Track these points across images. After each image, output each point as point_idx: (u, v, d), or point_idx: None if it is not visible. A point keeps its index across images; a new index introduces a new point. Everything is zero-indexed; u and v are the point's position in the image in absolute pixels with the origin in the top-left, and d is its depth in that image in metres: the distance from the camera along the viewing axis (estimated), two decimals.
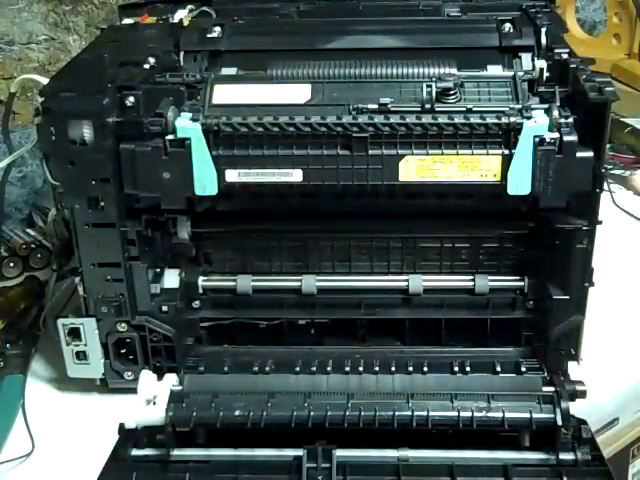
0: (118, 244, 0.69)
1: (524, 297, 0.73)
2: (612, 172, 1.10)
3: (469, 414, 0.62)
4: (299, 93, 0.69)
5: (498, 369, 0.67)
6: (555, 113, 0.64)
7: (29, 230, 1.05)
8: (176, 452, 0.63)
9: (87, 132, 0.65)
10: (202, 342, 0.76)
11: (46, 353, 0.81)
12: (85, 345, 0.72)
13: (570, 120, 0.64)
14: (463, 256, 0.74)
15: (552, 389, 0.63)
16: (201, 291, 0.75)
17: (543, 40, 0.73)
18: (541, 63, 0.71)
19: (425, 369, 0.67)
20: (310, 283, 0.73)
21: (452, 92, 0.67)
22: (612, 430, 0.79)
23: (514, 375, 0.67)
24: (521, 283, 0.73)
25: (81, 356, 0.73)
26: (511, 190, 0.65)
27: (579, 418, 0.62)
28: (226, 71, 0.75)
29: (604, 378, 0.74)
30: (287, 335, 0.76)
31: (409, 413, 0.62)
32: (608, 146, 0.67)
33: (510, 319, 0.74)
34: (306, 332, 0.76)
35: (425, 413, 0.62)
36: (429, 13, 0.84)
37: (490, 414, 0.62)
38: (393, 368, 0.67)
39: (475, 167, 0.65)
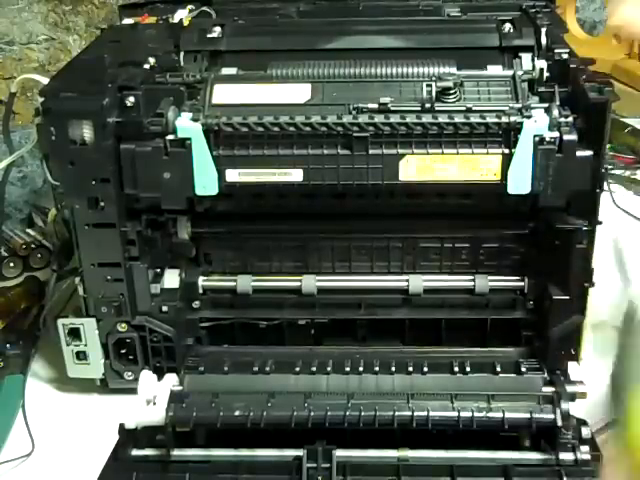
0: (118, 244, 0.69)
1: (524, 297, 0.73)
2: (612, 172, 1.09)
3: (469, 414, 0.62)
4: (299, 93, 0.69)
5: (498, 369, 0.67)
6: (555, 112, 0.64)
7: (29, 230, 1.05)
8: (176, 452, 0.63)
9: (87, 132, 0.65)
10: (202, 342, 0.76)
11: (46, 353, 0.81)
12: (85, 345, 0.72)
13: (570, 119, 0.64)
14: (463, 256, 0.74)
15: (552, 389, 0.63)
16: (201, 291, 0.75)
17: (543, 40, 0.73)
18: (541, 63, 0.71)
19: (425, 369, 0.67)
20: (310, 283, 0.73)
21: (452, 91, 0.66)
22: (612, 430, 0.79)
23: (514, 375, 0.67)
24: (521, 283, 0.73)
25: (81, 356, 0.73)
26: (511, 189, 0.65)
27: (579, 418, 0.62)
28: (226, 71, 0.75)
29: (604, 378, 0.74)
30: (287, 335, 0.76)
31: (409, 413, 0.62)
32: (608, 146, 0.67)
33: (510, 319, 0.74)
34: (306, 332, 0.76)
35: (425, 413, 0.62)
36: (429, 13, 0.84)
37: (490, 414, 0.62)
38: (393, 368, 0.67)
39: (475, 166, 0.65)
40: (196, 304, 0.75)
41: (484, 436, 0.63)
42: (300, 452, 0.61)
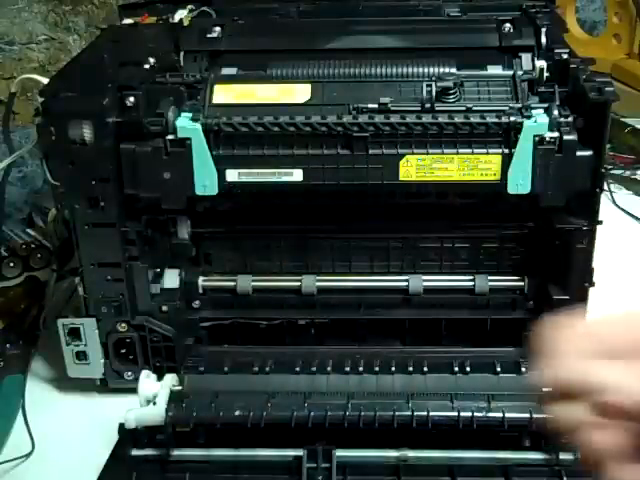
0: (118, 244, 0.69)
1: (524, 297, 0.73)
2: (612, 172, 1.09)
3: (469, 414, 0.62)
4: (299, 93, 0.69)
5: (498, 369, 0.67)
6: (555, 112, 0.64)
7: (29, 230, 1.05)
8: (176, 452, 0.63)
9: (87, 132, 0.65)
10: (202, 342, 0.76)
11: (46, 353, 0.81)
12: (85, 345, 0.72)
13: (570, 119, 0.64)
14: (463, 256, 0.74)
15: None
16: (201, 291, 0.75)
17: (543, 40, 0.73)
18: (541, 63, 0.71)
19: (425, 369, 0.67)
20: (310, 283, 0.73)
21: (452, 91, 0.67)
22: None
23: (514, 375, 0.67)
24: (521, 283, 0.73)
25: (81, 356, 0.73)
26: (511, 189, 0.65)
27: None
28: (226, 71, 0.75)
29: None
30: (287, 335, 0.76)
31: (409, 413, 0.62)
32: (608, 146, 0.67)
33: (510, 319, 0.74)
34: (306, 332, 0.76)
35: (425, 413, 0.62)
36: (429, 13, 0.84)
37: (490, 414, 0.62)
38: (393, 368, 0.67)
39: (475, 166, 0.65)
40: (196, 304, 0.75)
41: (484, 436, 0.63)
42: (300, 452, 0.61)
